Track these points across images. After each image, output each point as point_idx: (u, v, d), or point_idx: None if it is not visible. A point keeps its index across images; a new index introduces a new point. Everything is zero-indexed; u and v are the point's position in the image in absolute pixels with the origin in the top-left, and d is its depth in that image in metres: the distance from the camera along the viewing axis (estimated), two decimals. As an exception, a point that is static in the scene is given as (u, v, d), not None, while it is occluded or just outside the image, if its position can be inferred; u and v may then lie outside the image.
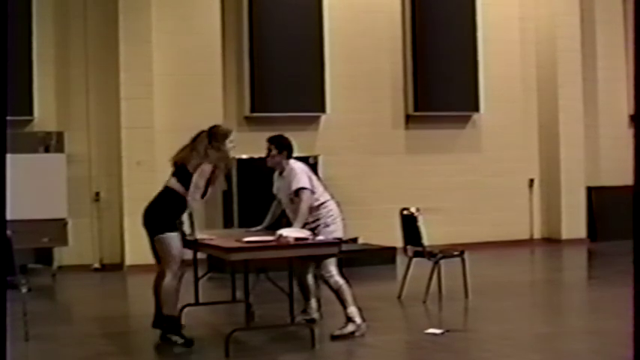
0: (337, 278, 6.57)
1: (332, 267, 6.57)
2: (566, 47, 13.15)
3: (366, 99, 12.41)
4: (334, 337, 6.45)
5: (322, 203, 6.73)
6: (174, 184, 6.50)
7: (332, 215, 6.75)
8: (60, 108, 11.05)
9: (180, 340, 6.34)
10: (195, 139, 6.60)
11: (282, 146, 6.79)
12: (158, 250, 6.48)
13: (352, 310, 6.54)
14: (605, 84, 13.60)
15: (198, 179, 6.37)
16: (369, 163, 12.35)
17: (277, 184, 6.92)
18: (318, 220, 6.68)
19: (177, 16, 11.42)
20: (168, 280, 6.36)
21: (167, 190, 6.52)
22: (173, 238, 6.39)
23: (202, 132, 6.61)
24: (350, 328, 6.51)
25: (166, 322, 6.41)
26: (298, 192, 6.59)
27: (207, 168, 6.41)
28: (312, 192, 6.65)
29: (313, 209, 6.66)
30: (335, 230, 6.71)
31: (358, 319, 6.54)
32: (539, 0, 13.29)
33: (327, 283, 6.59)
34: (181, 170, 6.52)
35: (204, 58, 11.50)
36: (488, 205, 12.93)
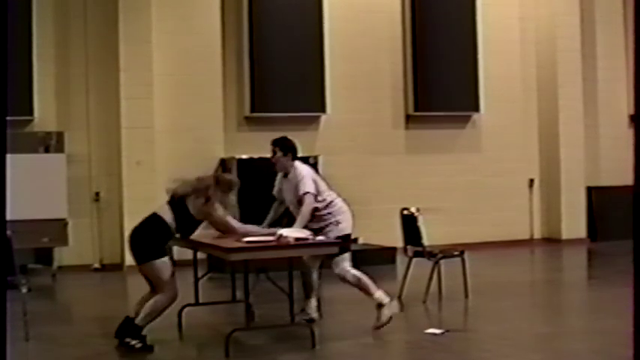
0: (353, 272, 6.68)
1: (346, 263, 6.66)
2: (566, 47, 13.15)
3: (366, 99, 12.41)
4: (377, 328, 6.59)
5: (330, 202, 6.78)
6: (166, 213, 6.33)
7: (342, 212, 6.82)
8: (60, 108, 11.05)
9: (138, 345, 6.20)
10: (199, 181, 6.47)
11: (286, 148, 6.82)
12: (148, 276, 6.37)
13: (378, 295, 6.68)
14: (605, 84, 13.60)
15: (227, 220, 6.38)
16: (369, 163, 12.35)
17: (280, 186, 6.95)
18: (326, 219, 6.74)
19: (177, 16, 11.43)
20: (162, 298, 6.25)
21: (155, 218, 6.34)
22: (162, 264, 6.26)
23: (204, 177, 6.56)
24: (385, 313, 6.64)
25: (132, 328, 6.28)
26: (303, 196, 6.63)
27: (220, 210, 6.40)
28: (316, 195, 6.70)
29: (322, 209, 6.71)
30: (346, 227, 6.79)
31: (386, 299, 6.69)
32: (539, 0, 13.30)
33: (345, 280, 6.70)
34: (179, 204, 6.37)
35: (204, 58, 11.50)
36: (488, 205, 12.94)
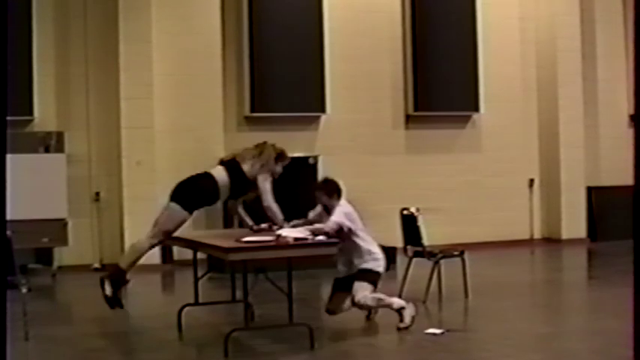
0: (372, 295, 6.74)
1: (366, 292, 6.72)
2: (566, 47, 13.15)
3: (366, 99, 12.41)
4: (403, 329, 6.69)
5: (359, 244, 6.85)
6: (220, 173, 6.60)
7: (375, 259, 6.87)
8: (60, 108, 11.05)
9: (109, 292, 6.36)
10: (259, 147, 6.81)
11: (331, 191, 6.87)
12: (161, 213, 6.60)
13: (397, 304, 6.79)
14: (604, 84, 13.60)
15: (266, 185, 6.59)
16: (369, 163, 12.35)
17: (320, 211, 6.96)
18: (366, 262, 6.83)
19: (177, 16, 11.43)
20: (144, 239, 6.50)
21: (207, 176, 6.60)
22: (178, 213, 6.45)
23: (264, 143, 6.81)
24: (407, 314, 6.73)
25: (116, 273, 6.46)
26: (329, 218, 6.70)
27: (269, 176, 6.66)
28: (341, 229, 6.68)
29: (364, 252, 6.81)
30: (376, 266, 6.85)
31: (403, 302, 6.83)
32: (539, 0, 13.30)
33: (366, 305, 6.78)
34: (234, 166, 6.66)
35: (204, 58, 11.50)
36: (488, 205, 12.94)
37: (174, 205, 6.47)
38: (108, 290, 6.37)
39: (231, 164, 6.69)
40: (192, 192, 6.52)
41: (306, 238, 6.26)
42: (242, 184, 6.65)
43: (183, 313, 7.07)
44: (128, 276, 6.60)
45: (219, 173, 6.62)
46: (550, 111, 13.27)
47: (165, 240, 6.66)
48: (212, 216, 10.91)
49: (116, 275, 6.42)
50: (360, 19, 12.37)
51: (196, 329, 7.03)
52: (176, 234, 6.74)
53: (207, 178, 6.60)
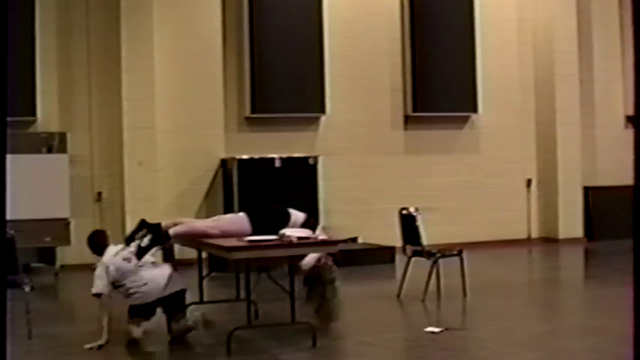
0: None
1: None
2: (563, 48, 13.23)
3: (366, 100, 12.48)
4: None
5: None
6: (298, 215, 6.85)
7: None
8: (62, 109, 11.12)
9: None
10: None
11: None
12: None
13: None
14: (601, 85, 13.68)
15: None
16: (368, 163, 12.42)
17: None
18: None
19: (178, 18, 11.50)
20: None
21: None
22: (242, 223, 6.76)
23: None
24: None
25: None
26: None
27: None
28: None
29: None
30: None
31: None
32: (536, 2, 13.38)
33: None
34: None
35: (205, 59, 11.57)
36: (486, 205, 13.01)
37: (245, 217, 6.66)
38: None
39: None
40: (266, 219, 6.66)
41: (308, 237, 6.34)
42: None
43: (187, 312, 7.13)
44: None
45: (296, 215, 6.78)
46: (547, 112, 13.35)
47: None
48: (213, 215, 10.96)
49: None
50: (360, 20, 12.45)
51: (200, 327, 7.09)
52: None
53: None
